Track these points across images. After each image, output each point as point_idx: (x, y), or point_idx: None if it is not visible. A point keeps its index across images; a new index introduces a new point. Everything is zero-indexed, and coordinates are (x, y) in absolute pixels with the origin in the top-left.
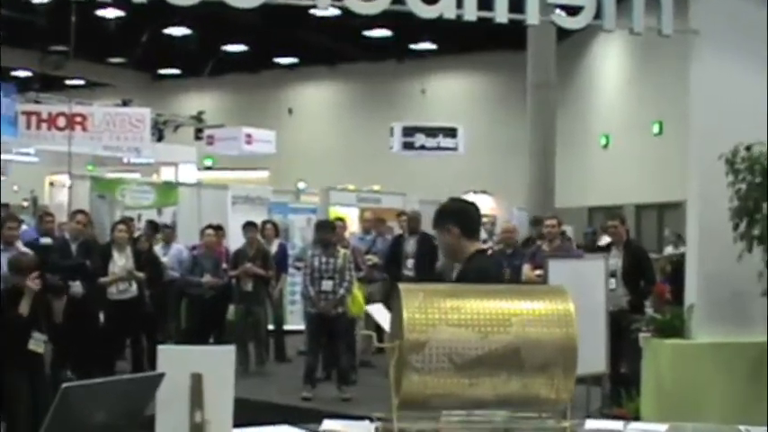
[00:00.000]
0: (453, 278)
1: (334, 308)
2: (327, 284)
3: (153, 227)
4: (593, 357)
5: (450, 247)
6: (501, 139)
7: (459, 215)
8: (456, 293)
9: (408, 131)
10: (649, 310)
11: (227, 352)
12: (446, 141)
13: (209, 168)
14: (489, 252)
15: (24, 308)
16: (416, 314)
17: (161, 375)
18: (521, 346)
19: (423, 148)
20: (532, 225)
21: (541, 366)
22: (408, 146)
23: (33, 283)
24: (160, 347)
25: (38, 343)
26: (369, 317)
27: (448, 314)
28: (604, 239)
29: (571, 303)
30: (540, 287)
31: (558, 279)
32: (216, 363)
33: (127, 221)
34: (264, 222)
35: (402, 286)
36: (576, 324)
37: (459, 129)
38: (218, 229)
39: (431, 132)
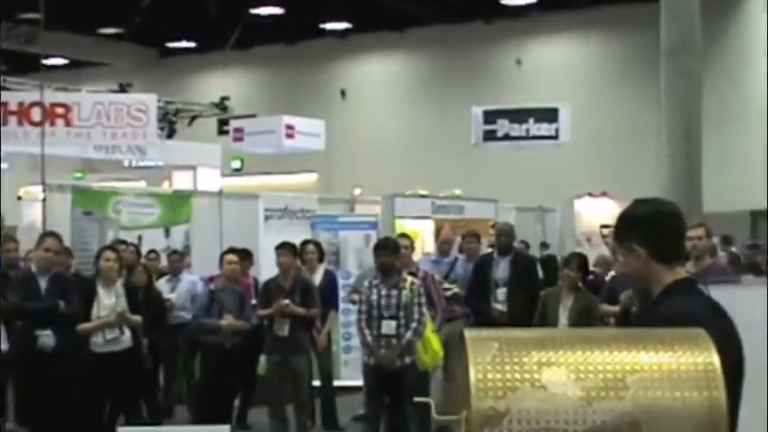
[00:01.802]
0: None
1: (399, 357)
2: (389, 326)
3: (155, 253)
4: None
5: (637, 273)
6: (625, 122)
7: (647, 228)
8: (547, 342)
9: (490, 117)
10: None
11: None
12: (541, 127)
13: (237, 172)
14: (694, 283)
15: None
16: (489, 373)
17: None
18: (641, 419)
19: (507, 137)
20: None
21: None
22: (490, 135)
23: None
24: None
25: None
26: (448, 369)
27: (535, 372)
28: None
29: (715, 354)
30: (669, 331)
31: None
32: None
33: (117, 246)
34: (305, 243)
35: (468, 333)
36: (722, 385)
37: (560, 110)
38: (245, 253)
39: (518, 117)
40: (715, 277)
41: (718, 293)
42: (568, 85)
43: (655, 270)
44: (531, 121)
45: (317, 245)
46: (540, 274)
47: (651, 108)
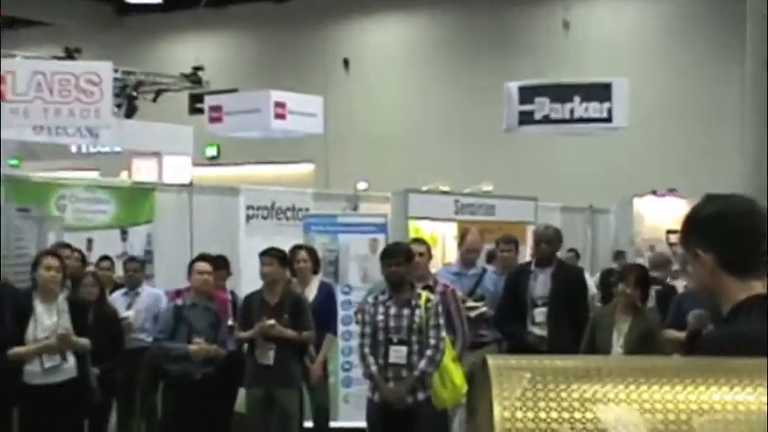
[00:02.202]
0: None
1: (411, 393)
2: (399, 353)
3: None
4: None
5: (702, 285)
6: (699, 102)
7: (714, 229)
8: (591, 373)
9: (527, 94)
10: None
11: None
12: (589, 108)
13: (212, 161)
14: None
15: None
16: (518, 411)
17: None
18: None
19: (547, 120)
20: None
21: None
22: (527, 118)
23: None
24: None
25: None
26: (472, 407)
27: (576, 411)
28: None
29: None
30: (747, 362)
31: None
32: None
33: (60, 252)
34: (296, 249)
35: (493, 360)
36: None
37: (613, 85)
38: (220, 261)
39: (560, 94)
40: None
41: None
42: (628, 54)
43: (724, 283)
44: (577, 99)
45: (311, 251)
46: (595, 291)
47: (733, 84)
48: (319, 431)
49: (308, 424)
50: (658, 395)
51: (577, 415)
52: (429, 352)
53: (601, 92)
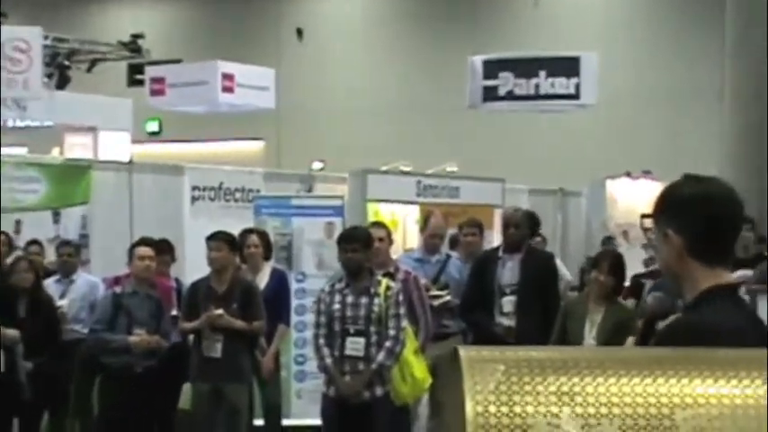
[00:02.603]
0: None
1: (368, 387)
2: (356, 344)
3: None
4: None
5: (666, 266)
6: (677, 81)
7: (688, 211)
8: (569, 365)
9: (492, 69)
10: None
11: None
12: (555, 83)
13: (154, 137)
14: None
15: None
16: (492, 405)
17: None
18: None
19: (511, 97)
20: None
21: None
22: (491, 94)
23: None
24: None
25: None
26: (435, 402)
27: (553, 406)
28: None
29: None
30: (732, 353)
31: None
32: None
33: None
34: (246, 233)
35: (464, 352)
36: None
37: (581, 59)
38: (163, 246)
39: (525, 69)
40: None
41: None
42: (601, 30)
43: (689, 268)
44: (543, 74)
45: (263, 236)
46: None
47: (712, 62)
48: (270, 429)
49: (259, 422)
50: (639, 388)
51: (554, 409)
52: (388, 343)
53: (568, 66)
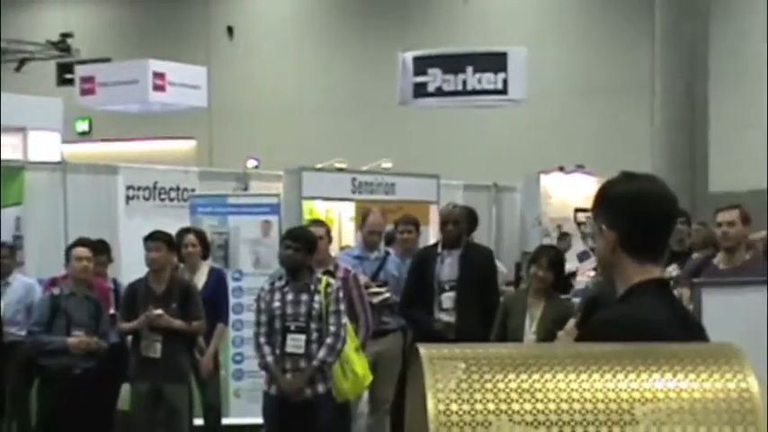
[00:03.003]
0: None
1: (310, 385)
2: (296, 341)
3: None
4: None
5: (600, 259)
6: (609, 77)
7: (623, 207)
8: (530, 361)
9: (421, 65)
10: None
11: None
12: (483, 79)
13: (83, 137)
14: (665, 286)
15: None
16: (453, 404)
17: None
18: None
19: (440, 93)
20: (685, 225)
21: None
22: (421, 90)
23: None
24: None
25: None
26: (375, 399)
27: (514, 402)
28: None
29: (753, 378)
30: (693, 347)
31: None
32: None
33: None
34: (183, 232)
35: (425, 350)
36: (764, 419)
37: (509, 55)
38: (99, 246)
39: (452, 64)
40: (757, 277)
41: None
42: (533, 25)
43: (622, 262)
44: (470, 70)
45: (200, 235)
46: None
47: (643, 59)
48: (210, 429)
49: (198, 421)
50: (599, 383)
51: (515, 407)
52: (329, 340)
53: (495, 62)
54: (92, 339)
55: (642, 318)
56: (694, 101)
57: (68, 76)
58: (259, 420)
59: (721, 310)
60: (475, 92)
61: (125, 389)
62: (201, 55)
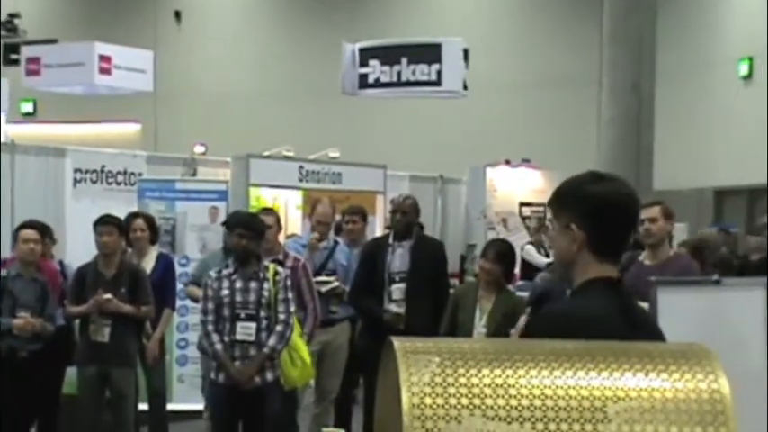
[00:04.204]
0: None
1: (259, 373)
2: (247, 329)
3: None
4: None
5: (561, 256)
6: (555, 70)
7: (596, 212)
8: (503, 357)
9: (364, 56)
10: None
11: None
12: (417, 70)
13: (28, 118)
14: (615, 284)
15: None
16: (427, 398)
17: None
18: None
19: (379, 84)
20: None
21: None
22: (363, 81)
23: None
24: None
25: None
26: (320, 389)
27: (488, 398)
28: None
29: (724, 378)
30: (664, 346)
31: (679, 327)
32: None
33: None
34: (132, 217)
35: (399, 343)
36: (734, 419)
37: (443, 46)
38: (46, 230)
39: (389, 56)
40: (677, 275)
41: (691, 297)
42: (480, 17)
43: (584, 260)
44: (405, 61)
45: (149, 220)
46: None
47: (589, 53)
48: (155, 414)
49: (143, 406)
50: (572, 381)
51: (489, 402)
52: (279, 327)
53: (429, 53)
54: (37, 321)
55: (584, 314)
56: (641, 97)
57: (14, 56)
58: (202, 406)
59: (677, 308)
60: (409, 83)
61: (71, 372)
62: (149, 39)
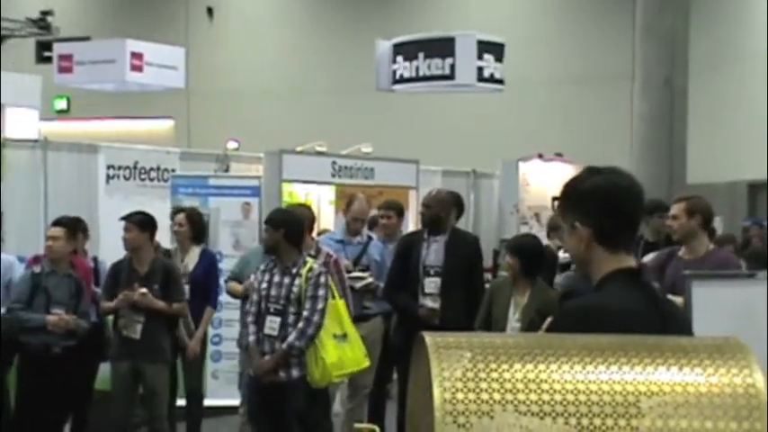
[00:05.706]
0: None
1: (285, 369)
2: (273, 323)
3: None
4: None
5: (574, 255)
6: (589, 65)
7: (595, 203)
8: (535, 352)
9: (401, 51)
10: None
11: None
12: (432, 65)
13: (61, 115)
14: (638, 274)
15: None
16: (459, 393)
17: None
18: None
19: (402, 79)
20: (648, 216)
21: None
22: (395, 77)
23: None
24: None
25: None
26: (354, 386)
27: (520, 393)
28: None
29: (759, 373)
30: (698, 340)
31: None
32: None
33: None
34: (176, 212)
35: (430, 338)
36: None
37: (457, 40)
38: (77, 226)
39: (408, 52)
40: (714, 270)
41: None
42: (515, 13)
43: (596, 256)
44: (421, 56)
45: (192, 216)
46: None
47: (623, 48)
48: (192, 412)
49: (181, 402)
50: (605, 375)
51: (521, 397)
52: (300, 324)
53: (443, 47)
54: (71, 318)
55: (610, 307)
56: (674, 92)
57: (47, 54)
58: (236, 402)
59: (710, 302)
60: (425, 78)
61: (104, 368)
62: (181, 36)
